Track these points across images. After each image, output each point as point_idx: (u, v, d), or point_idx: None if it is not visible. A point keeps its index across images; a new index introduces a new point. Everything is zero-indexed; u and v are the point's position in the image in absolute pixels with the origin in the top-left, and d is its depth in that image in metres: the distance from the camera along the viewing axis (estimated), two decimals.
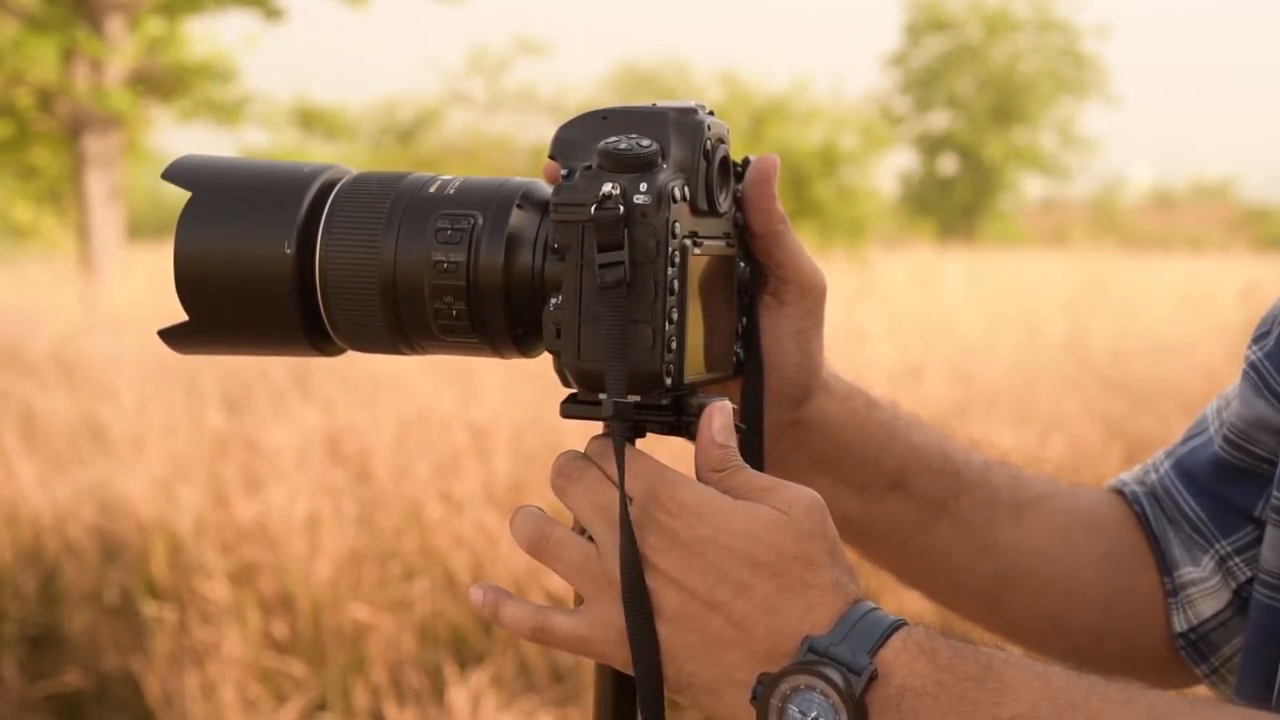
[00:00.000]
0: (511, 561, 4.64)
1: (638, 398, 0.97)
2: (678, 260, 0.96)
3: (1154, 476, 1.25)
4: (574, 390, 1.01)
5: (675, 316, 0.96)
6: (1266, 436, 1.17)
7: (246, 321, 1.04)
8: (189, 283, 1.04)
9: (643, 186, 0.95)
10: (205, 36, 19.02)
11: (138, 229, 23.00)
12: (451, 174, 1.04)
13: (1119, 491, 1.27)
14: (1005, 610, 1.22)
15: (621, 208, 0.94)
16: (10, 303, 11.79)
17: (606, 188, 0.95)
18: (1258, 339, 1.19)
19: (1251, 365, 1.19)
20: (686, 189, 0.98)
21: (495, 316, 1.00)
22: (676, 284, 0.96)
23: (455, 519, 4.93)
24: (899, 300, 11.46)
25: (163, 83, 17.21)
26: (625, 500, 0.94)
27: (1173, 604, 1.22)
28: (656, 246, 0.95)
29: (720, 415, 0.96)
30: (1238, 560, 1.19)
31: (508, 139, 27.56)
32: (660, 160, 0.97)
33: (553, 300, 0.97)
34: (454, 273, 0.99)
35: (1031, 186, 42.77)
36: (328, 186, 1.04)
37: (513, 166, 23.91)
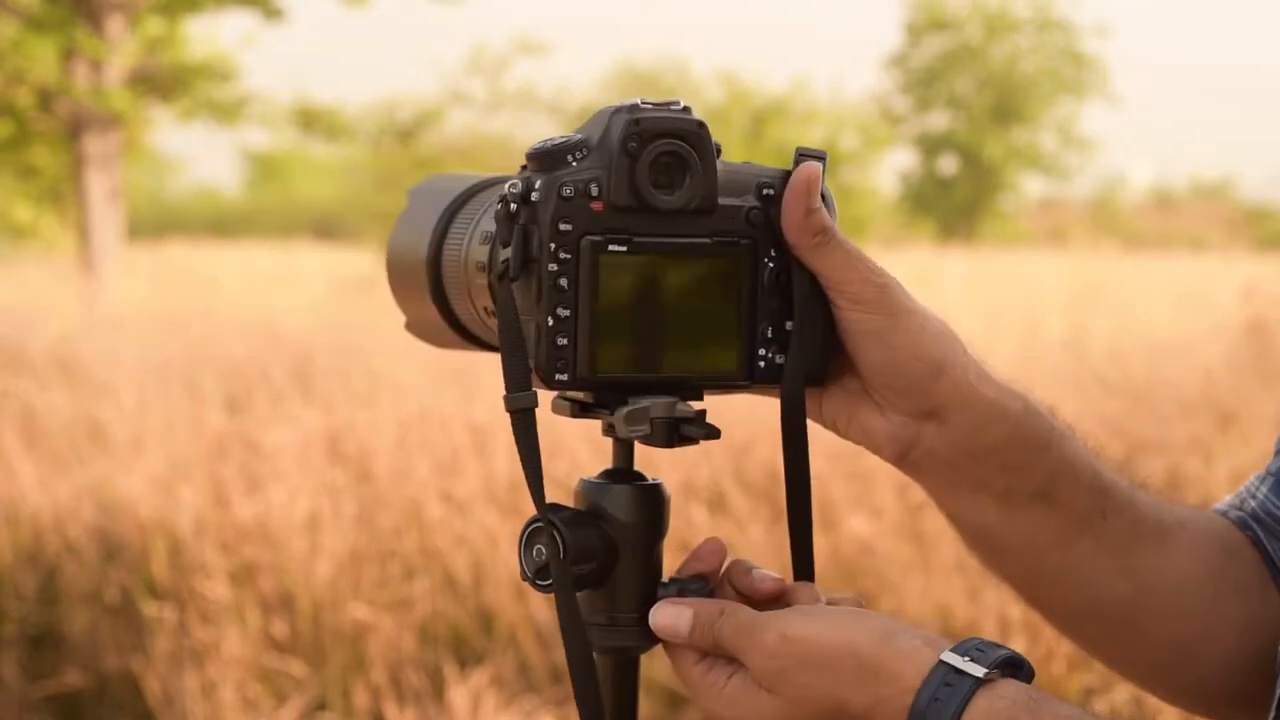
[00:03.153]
0: (511, 561, 4.64)
1: (538, 391, 0.99)
2: (565, 257, 0.96)
3: (1254, 503, 1.20)
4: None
5: (563, 313, 0.96)
6: None
7: (421, 318, 1.10)
8: (392, 283, 1.12)
9: (538, 183, 0.96)
10: (205, 36, 19.02)
11: (138, 229, 23.00)
12: None
13: (1226, 517, 1.21)
14: (1138, 638, 1.17)
15: (513, 205, 0.96)
16: (10, 303, 11.78)
17: (508, 185, 0.97)
18: None
19: None
20: (595, 186, 0.97)
21: None
22: (565, 281, 0.96)
23: (455, 519, 4.93)
24: None
25: (163, 83, 17.19)
26: (540, 485, 0.98)
27: None
28: (539, 244, 0.96)
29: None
30: None
31: (508, 139, 27.53)
32: (572, 156, 0.97)
33: None
34: (482, 270, 1.01)
35: (1031, 186, 42.76)
36: (473, 190, 1.08)
37: (513, 166, 23.81)
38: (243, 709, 4.47)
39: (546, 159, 0.97)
